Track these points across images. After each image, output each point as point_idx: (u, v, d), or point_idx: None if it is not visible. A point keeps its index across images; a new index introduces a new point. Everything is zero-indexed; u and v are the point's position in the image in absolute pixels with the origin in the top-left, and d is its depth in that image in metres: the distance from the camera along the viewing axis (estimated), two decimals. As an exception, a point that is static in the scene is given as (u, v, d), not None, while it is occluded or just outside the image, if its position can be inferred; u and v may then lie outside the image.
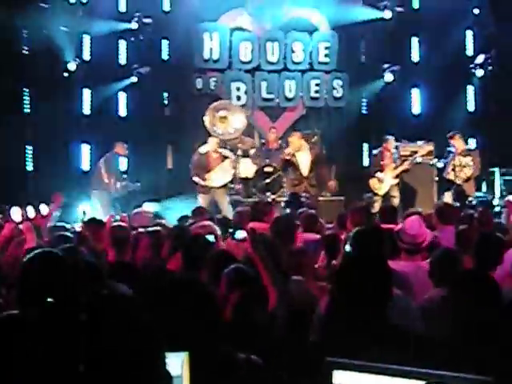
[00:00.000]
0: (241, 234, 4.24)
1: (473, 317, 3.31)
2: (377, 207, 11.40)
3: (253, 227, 4.38)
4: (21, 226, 5.75)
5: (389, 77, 14.34)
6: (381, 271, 3.11)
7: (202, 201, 11.54)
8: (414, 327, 3.63)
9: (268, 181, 12.32)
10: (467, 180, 11.71)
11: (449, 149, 12.08)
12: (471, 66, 14.25)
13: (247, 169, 12.67)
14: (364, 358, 2.10)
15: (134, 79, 13.80)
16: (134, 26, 13.76)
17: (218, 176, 11.87)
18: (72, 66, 13.15)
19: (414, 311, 3.92)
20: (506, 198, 10.97)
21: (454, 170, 11.70)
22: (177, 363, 2.32)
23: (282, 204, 11.37)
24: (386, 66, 14.30)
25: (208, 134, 12.36)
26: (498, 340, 2.96)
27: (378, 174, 12.18)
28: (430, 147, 12.64)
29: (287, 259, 4.36)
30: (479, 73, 14.19)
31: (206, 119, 12.51)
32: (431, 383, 1.89)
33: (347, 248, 4.62)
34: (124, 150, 12.19)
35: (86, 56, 13.60)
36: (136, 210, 9.22)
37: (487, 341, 2.98)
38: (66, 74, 13.13)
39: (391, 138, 12.39)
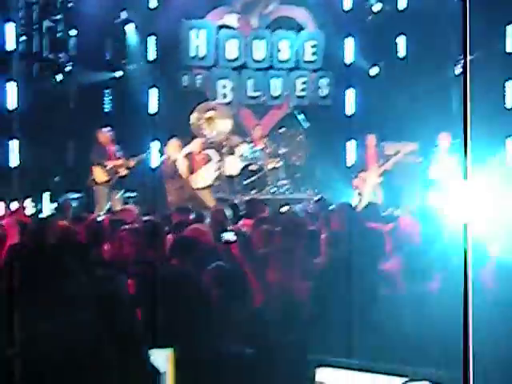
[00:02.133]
0: (229, 236, 4.24)
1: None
2: (361, 206, 11.45)
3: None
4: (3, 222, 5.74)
5: (378, 79, 14.32)
6: None
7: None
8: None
9: (253, 179, 12.37)
10: None
11: (434, 149, 12.12)
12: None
13: (232, 166, 12.71)
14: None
15: (120, 74, 13.73)
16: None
17: (201, 178, 11.89)
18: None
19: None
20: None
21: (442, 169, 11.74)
22: (162, 359, 2.34)
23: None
24: (372, 65, 14.34)
25: (193, 134, 12.38)
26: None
27: (361, 174, 12.22)
28: (413, 146, 12.67)
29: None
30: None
31: (193, 118, 12.54)
32: (413, 380, 1.92)
33: None
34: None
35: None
36: (124, 207, 9.25)
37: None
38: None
39: (371, 136, 12.45)
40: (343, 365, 2.14)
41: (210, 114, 12.65)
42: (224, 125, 12.74)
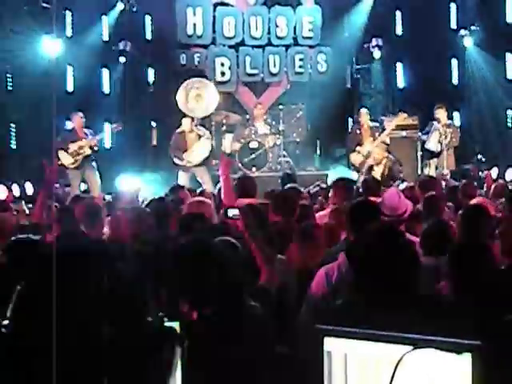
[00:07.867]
0: (233, 212, 4.23)
1: (471, 284, 3.38)
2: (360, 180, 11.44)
3: (248, 204, 4.41)
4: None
5: (377, 54, 14.29)
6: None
7: (181, 178, 11.65)
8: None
9: (253, 156, 12.36)
10: (448, 149, 11.80)
11: (433, 122, 12.11)
12: (459, 36, 14.12)
13: (232, 144, 12.70)
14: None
15: (120, 58, 13.71)
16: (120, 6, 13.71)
17: (196, 154, 11.93)
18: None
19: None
20: (486, 172, 11.07)
21: (439, 140, 11.77)
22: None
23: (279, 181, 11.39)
24: (371, 40, 14.25)
25: (183, 114, 12.40)
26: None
27: (358, 148, 12.16)
28: (405, 117, 12.50)
29: (300, 233, 4.43)
30: (467, 42, 14.05)
31: (179, 98, 12.58)
32: (419, 348, 1.93)
33: None
34: None
35: (68, 33, 13.50)
36: (120, 190, 9.25)
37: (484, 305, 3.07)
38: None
39: (363, 110, 12.47)
40: (349, 335, 2.15)
41: (196, 91, 12.65)
42: (212, 100, 12.74)
